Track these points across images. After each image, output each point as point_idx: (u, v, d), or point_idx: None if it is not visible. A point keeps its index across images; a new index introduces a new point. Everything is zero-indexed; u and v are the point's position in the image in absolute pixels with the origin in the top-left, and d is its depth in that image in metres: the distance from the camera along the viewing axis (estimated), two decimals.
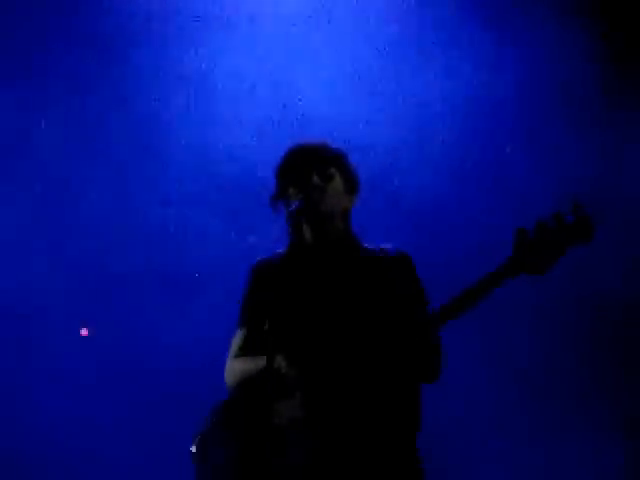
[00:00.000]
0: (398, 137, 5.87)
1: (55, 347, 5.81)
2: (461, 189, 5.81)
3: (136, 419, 5.74)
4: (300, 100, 5.85)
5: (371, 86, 5.94)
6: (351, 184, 3.60)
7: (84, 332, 5.72)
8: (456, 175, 5.81)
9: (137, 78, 6.00)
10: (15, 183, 5.95)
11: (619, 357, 5.78)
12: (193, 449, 3.33)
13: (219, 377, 3.73)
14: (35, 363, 5.83)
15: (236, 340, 3.57)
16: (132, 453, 5.70)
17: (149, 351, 5.77)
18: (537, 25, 5.86)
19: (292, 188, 3.48)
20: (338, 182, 3.53)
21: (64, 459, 5.69)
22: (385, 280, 3.47)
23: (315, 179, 3.46)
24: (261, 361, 3.21)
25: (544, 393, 5.71)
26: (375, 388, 3.24)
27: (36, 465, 5.68)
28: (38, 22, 5.94)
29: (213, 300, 5.74)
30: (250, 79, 5.99)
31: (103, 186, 5.96)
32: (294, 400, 3.23)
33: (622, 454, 5.67)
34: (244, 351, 3.52)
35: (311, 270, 3.50)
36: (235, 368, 3.49)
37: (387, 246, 3.61)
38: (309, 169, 3.48)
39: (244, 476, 3.17)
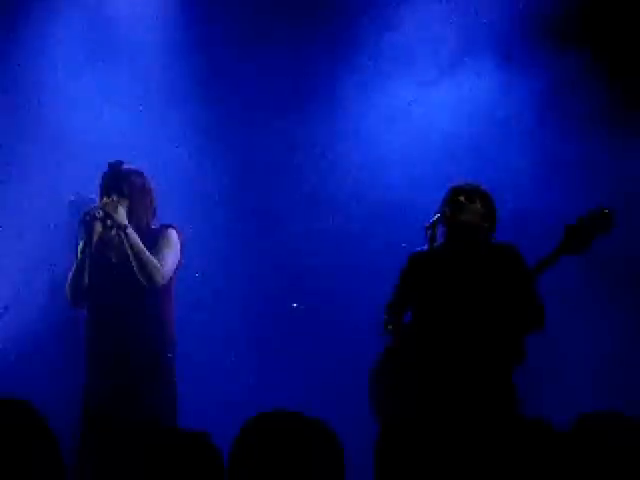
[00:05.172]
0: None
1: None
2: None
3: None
4: None
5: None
6: (489, 216, 5.02)
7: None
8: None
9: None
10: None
11: None
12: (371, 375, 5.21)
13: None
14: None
15: (390, 299, 5.20)
16: None
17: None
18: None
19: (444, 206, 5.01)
20: (478, 207, 4.99)
21: None
22: (499, 267, 4.95)
23: (461, 198, 4.98)
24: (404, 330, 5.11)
25: None
26: (486, 334, 4.89)
27: None
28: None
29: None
30: None
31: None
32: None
33: None
34: (393, 309, 5.20)
35: (446, 264, 5.02)
36: (386, 320, 5.16)
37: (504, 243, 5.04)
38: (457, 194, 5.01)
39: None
